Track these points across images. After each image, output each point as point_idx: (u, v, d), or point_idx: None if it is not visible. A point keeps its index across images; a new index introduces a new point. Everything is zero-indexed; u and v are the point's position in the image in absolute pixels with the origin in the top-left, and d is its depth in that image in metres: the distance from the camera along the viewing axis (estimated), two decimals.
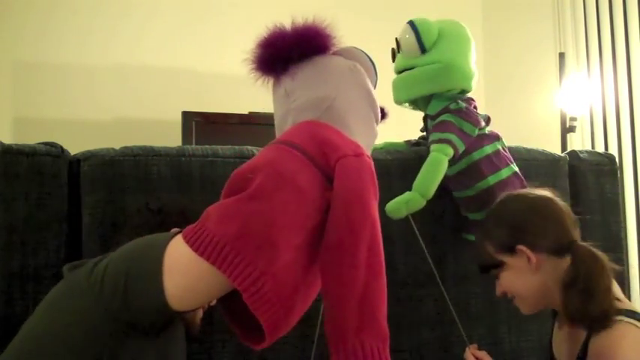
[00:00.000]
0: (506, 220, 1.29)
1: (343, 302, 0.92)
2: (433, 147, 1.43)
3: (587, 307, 1.17)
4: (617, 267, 1.23)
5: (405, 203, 1.35)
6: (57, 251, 1.31)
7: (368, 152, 1.07)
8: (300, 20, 1.07)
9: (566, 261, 1.23)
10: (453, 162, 1.47)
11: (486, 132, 1.51)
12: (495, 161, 1.48)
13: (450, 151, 1.42)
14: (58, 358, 0.94)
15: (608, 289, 1.19)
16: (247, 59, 1.09)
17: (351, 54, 1.14)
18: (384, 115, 1.24)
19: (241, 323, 1.02)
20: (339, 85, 1.07)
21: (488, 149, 1.48)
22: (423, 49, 1.47)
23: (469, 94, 1.54)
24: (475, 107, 1.52)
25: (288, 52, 1.06)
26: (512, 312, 1.60)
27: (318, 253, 0.96)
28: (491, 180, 1.46)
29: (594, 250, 1.22)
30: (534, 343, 1.63)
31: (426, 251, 1.43)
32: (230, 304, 1.02)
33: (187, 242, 0.91)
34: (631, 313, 1.18)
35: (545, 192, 1.32)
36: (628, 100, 2.82)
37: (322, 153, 0.95)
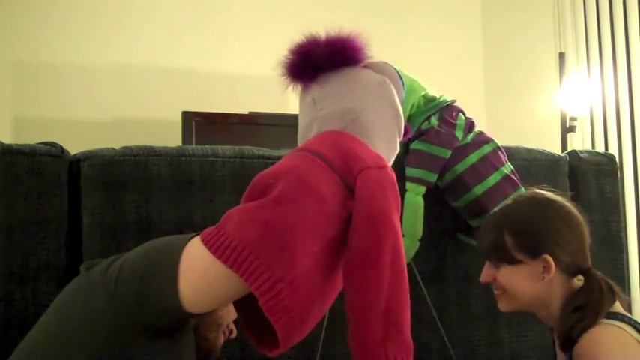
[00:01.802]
0: (542, 224, 1.26)
1: (367, 313, 0.92)
2: (407, 186, 1.44)
3: (576, 326, 1.18)
4: (628, 298, 1.26)
5: None
6: (57, 251, 1.31)
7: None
8: (334, 31, 1.07)
9: (574, 282, 1.23)
10: (438, 177, 1.46)
11: (469, 141, 1.48)
12: (481, 170, 1.45)
13: (422, 189, 1.43)
14: (71, 356, 0.94)
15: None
16: (279, 64, 1.09)
17: (382, 69, 1.14)
18: (405, 132, 1.24)
19: (257, 329, 1.02)
20: (367, 99, 1.07)
21: (473, 158, 1.46)
22: None
23: (451, 100, 1.51)
24: (460, 112, 1.49)
25: (319, 60, 1.07)
26: (512, 312, 1.60)
27: (336, 263, 0.96)
28: (477, 191, 1.44)
29: (610, 281, 1.23)
30: (534, 343, 1.63)
31: (418, 276, 1.42)
32: (246, 309, 1.02)
33: (206, 245, 0.91)
34: (613, 315, 1.18)
35: (581, 216, 1.29)
36: (628, 100, 2.82)
37: (345, 163, 0.95)
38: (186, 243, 0.94)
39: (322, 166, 0.94)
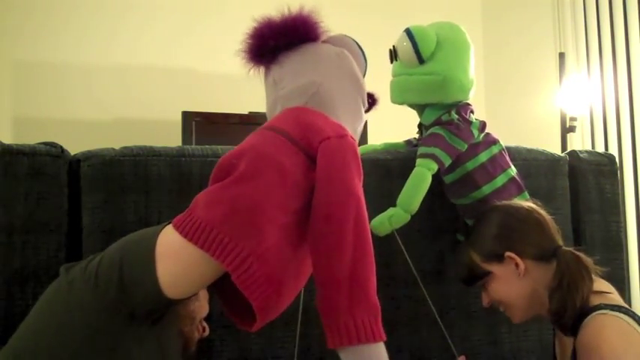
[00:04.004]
0: (492, 230, 1.30)
1: (333, 279, 0.93)
2: (418, 161, 1.43)
3: (566, 308, 1.19)
4: (601, 269, 1.25)
5: (389, 219, 1.34)
6: (57, 251, 1.31)
7: (356, 136, 1.09)
8: (288, 11, 1.09)
9: (553, 266, 1.25)
10: (447, 171, 1.46)
11: (480, 139, 1.49)
12: (490, 169, 1.46)
13: (434, 166, 1.41)
14: (57, 352, 0.95)
15: (589, 292, 1.20)
16: (239, 51, 1.12)
17: (340, 41, 1.17)
18: (374, 101, 1.25)
19: (237, 309, 1.04)
20: (325, 71, 1.10)
21: (483, 157, 1.47)
22: (421, 60, 1.44)
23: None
24: (472, 112, 1.50)
25: (275, 41, 1.09)
26: None
27: (306, 234, 0.97)
28: (486, 190, 1.45)
29: (578, 253, 1.24)
30: (534, 343, 1.63)
31: (410, 264, 1.42)
32: (225, 290, 1.04)
33: (177, 229, 0.93)
34: (617, 308, 1.19)
35: (528, 203, 1.34)
36: (628, 100, 2.81)
37: (306, 136, 0.98)
38: (159, 231, 0.97)
39: (283, 140, 0.97)
